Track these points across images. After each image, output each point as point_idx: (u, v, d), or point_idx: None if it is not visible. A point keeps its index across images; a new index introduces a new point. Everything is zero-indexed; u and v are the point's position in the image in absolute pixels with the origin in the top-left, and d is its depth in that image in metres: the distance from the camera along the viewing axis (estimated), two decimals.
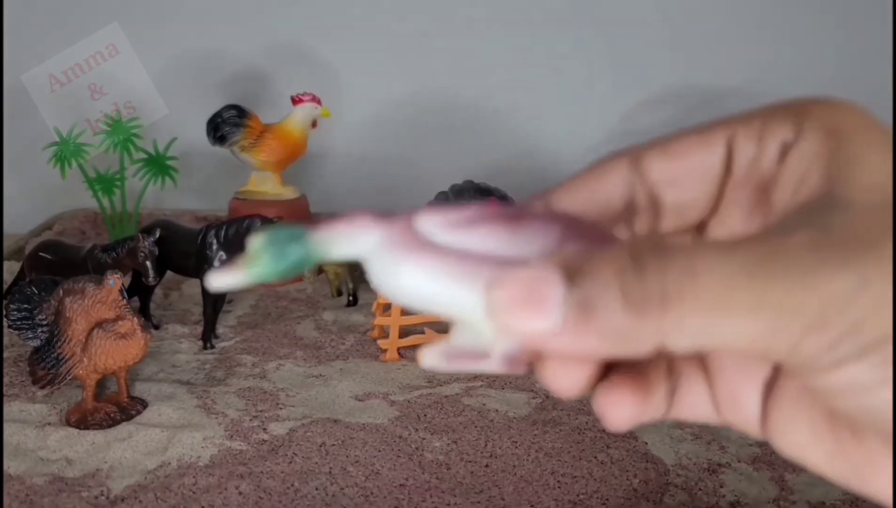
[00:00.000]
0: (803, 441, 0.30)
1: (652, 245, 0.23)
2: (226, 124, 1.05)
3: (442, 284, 0.24)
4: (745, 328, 0.22)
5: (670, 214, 0.30)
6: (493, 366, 0.25)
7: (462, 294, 0.24)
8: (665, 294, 0.22)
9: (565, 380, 0.26)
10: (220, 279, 0.25)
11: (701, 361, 0.32)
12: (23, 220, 1.24)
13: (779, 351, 0.23)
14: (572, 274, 0.23)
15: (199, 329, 0.90)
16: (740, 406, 0.32)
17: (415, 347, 0.87)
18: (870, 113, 0.27)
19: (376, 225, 0.25)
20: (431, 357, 0.25)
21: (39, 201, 1.29)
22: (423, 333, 0.87)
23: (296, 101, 1.06)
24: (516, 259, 0.24)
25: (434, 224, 0.25)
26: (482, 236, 0.24)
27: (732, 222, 0.30)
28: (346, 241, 0.25)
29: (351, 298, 1.00)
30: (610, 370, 0.27)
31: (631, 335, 0.23)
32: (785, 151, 0.27)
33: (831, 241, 0.22)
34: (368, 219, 0.25)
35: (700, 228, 0.32)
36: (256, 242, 0.25)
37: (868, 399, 0.24)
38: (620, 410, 0.27)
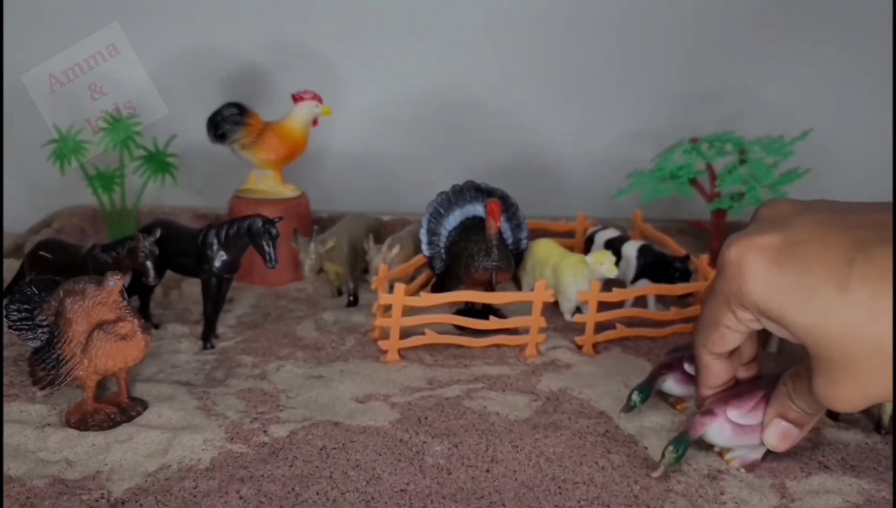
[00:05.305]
0: None
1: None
2: (226, 122, 1.05)
3: (746, 437, 0.65)
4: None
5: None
6: (760, 453, 0.67)
7: (753, 438, 0.65)
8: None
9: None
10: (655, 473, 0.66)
11: None
12: (22, 218, 1.23)
13: None
14: (787, 419, 0.63)
15: (199, 329, 0.89)
16: None
17: (416, 348, 0.87)
18: None
19: (712, 422, 0.65)
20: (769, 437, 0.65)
21: (38, 198, 1.29)
22: (423, 334, 0.86)
23: (296, 98, 1.06)
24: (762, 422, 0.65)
25: (738, 414, 0.64)
26: (755, 414, 0.64)
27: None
28: (701, 432, 0.66)
29: (351, 298, 1.00)
30: None
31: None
32: None
33: None
34: (708, 420, 0.65)
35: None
36: (669, 453, 0.65)
37: None
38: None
